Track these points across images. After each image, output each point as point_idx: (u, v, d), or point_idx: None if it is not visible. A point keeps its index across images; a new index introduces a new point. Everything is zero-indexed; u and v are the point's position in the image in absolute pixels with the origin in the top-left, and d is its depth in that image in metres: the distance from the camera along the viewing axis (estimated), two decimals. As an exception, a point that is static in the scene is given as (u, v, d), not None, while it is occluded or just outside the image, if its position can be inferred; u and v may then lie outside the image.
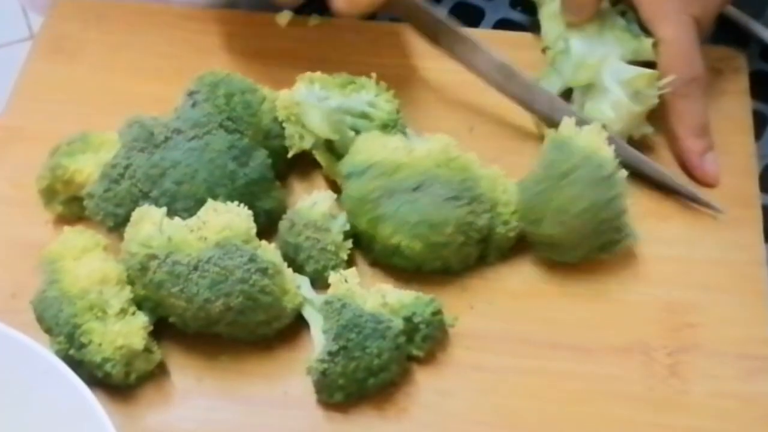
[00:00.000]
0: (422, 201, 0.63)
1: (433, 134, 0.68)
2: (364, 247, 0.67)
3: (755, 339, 0.64)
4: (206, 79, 0.68)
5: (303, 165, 0.71)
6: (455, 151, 0.65)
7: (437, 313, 0.62)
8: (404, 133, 0.69)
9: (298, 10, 0.79)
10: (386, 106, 0.69)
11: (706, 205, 0.69)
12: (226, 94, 0.67)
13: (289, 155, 0.69)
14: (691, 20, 0.70)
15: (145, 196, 0.64)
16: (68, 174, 0.66)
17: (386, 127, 0.68)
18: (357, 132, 0.68)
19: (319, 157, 0.69)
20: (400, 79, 0.74)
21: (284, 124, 0.68)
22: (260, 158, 0.67)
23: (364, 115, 0.68)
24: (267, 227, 0.66)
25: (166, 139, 0.65)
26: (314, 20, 0.79)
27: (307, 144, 0.68)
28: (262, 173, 0.66)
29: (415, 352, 0.62)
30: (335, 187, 0.69)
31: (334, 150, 0.69)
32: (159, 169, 0.64)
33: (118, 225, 0.64)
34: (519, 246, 0.67)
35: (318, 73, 0.69)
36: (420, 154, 0.65)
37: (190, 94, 0.67)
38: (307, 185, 0.71)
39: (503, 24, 0.82)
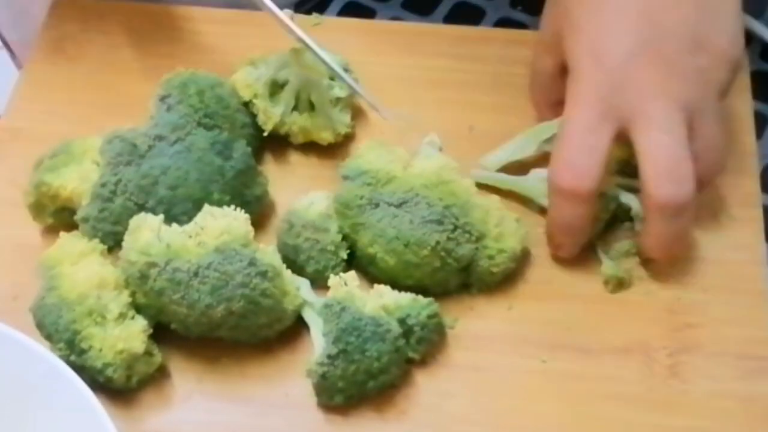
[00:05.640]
0: (403, 218, 0.63)
1: (435, 135, 0.69)
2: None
3: (755, 339, 0.64)
4: (174, 81, 0.68)
5: (273, 147, 0.72)
6: (451, 175, 0.65)
7: (434, 315, 0.62)
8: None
9: (298, 10, 0.79)
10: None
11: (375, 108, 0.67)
12: (197, 92, 0.67)
13: (266, 133, 0.69)
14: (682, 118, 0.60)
15: (142, 208, 0.64)
16: (52, 190, 0.66)
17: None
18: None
19: (294, 124, 0.69)
20: (401, 79, 0.74)
21: (253, 101, 0.68)
22: (241, 149, 0.67)
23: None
24: (259, 215, 0.67)
25: (150, 147, 0.65)
26: (314, 20, 0.79)
27: (277, 114, 0.68)
28: (247, 162, 0.67)
29: (411, 354, 0.62)
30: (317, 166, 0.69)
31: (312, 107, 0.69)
32: (150, 179, 0.64)
33: (118, 243, 0.63)
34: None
35: (258, 54, 0.70)
36: (414, 171, 0.65)
37: (162, 98, 0.67)
38: (281, 166, 0.71)
39: (504, 23, 0.82)
